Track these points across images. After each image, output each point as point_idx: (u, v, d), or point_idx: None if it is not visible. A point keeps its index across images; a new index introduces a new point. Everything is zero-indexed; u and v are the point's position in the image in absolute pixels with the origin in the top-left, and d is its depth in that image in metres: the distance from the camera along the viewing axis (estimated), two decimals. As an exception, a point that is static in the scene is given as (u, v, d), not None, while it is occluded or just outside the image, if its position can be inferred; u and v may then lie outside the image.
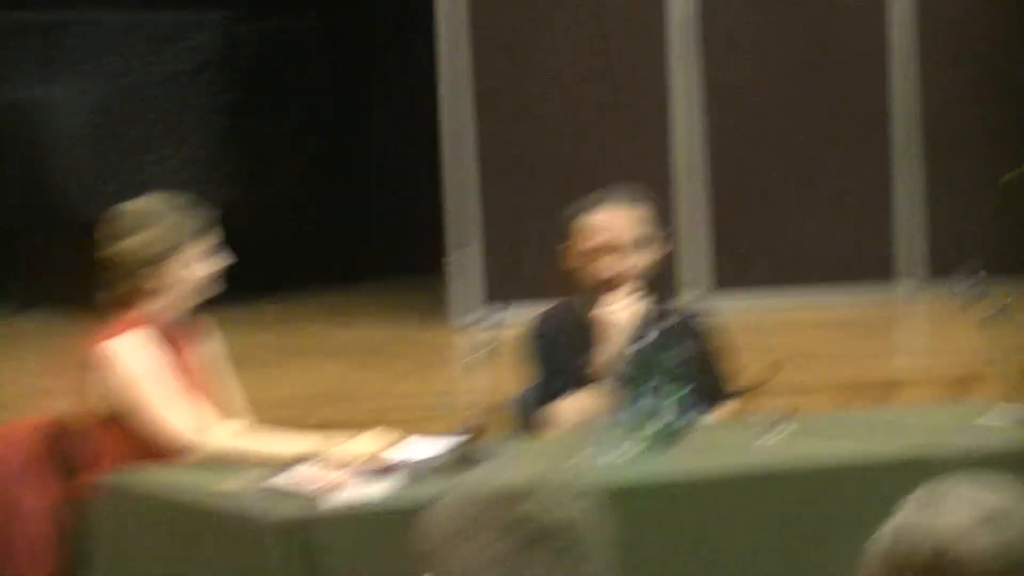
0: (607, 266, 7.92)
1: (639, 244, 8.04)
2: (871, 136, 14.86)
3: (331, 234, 14.25)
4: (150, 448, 7.07)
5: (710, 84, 14.41)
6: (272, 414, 7.93)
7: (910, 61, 14.90)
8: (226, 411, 7.43)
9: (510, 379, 8.21)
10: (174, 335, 7.36)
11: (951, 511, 3.60)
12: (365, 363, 11.69)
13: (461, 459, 6.60)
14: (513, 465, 5.46)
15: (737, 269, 14.15)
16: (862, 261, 14.61)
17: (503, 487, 3.65)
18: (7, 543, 7.38)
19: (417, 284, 14.25)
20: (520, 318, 8.20)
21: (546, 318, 8.28)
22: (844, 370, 11.09)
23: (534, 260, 11.74)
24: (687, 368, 7.47)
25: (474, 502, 3.58)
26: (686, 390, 7.30)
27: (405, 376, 11.60)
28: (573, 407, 7.89)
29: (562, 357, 8.11)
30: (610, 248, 7.98)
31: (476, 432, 6.90)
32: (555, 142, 14.03)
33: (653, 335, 7.59)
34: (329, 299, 13.11)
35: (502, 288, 11.69)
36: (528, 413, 7.98)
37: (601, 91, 14.32)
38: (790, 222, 14.56)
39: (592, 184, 9.33)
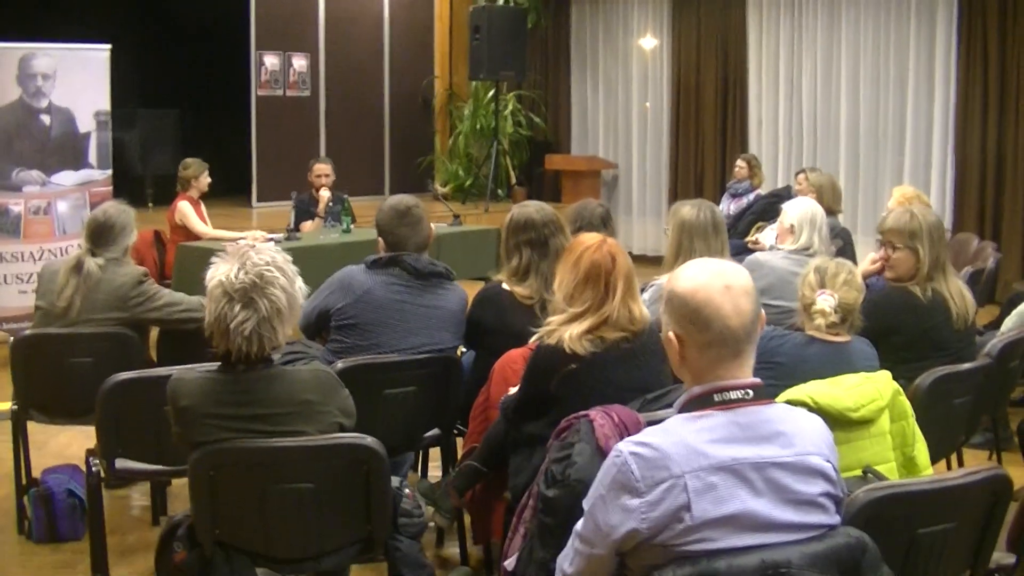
0: (323, 180, 10.63)
1: (330, 173, 10.67)
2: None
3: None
4: (192, 235, 9.78)
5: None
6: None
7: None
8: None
9: (286, 221, 10.59)
10: (196, 202, 10.04)
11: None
12: (229, 219, 12.19)
13: (288, 239, 9.28)
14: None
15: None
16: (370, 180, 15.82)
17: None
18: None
19: (238, 194, 14.83)
20: (291, 199, 10.76)
21: (300, 196, 10.72)
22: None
23: (295, 180, 11.96)
24: (347, 207, 10.24)
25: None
26: (350, 216, 10.13)
27: (244, 221, 12.59)
28: (310, 225, 10.45)
29: (305, 208, 10.63)
30: (323, 174, 10.64)
31: (288, 233, 9.60)
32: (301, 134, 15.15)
33: (337, 199, 10.49)
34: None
35: (284, 189, 12.48)
36: (295, 232, 10.02)
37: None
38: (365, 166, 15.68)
39: (315, 152, 12.57)
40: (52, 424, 6.08)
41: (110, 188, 10.50)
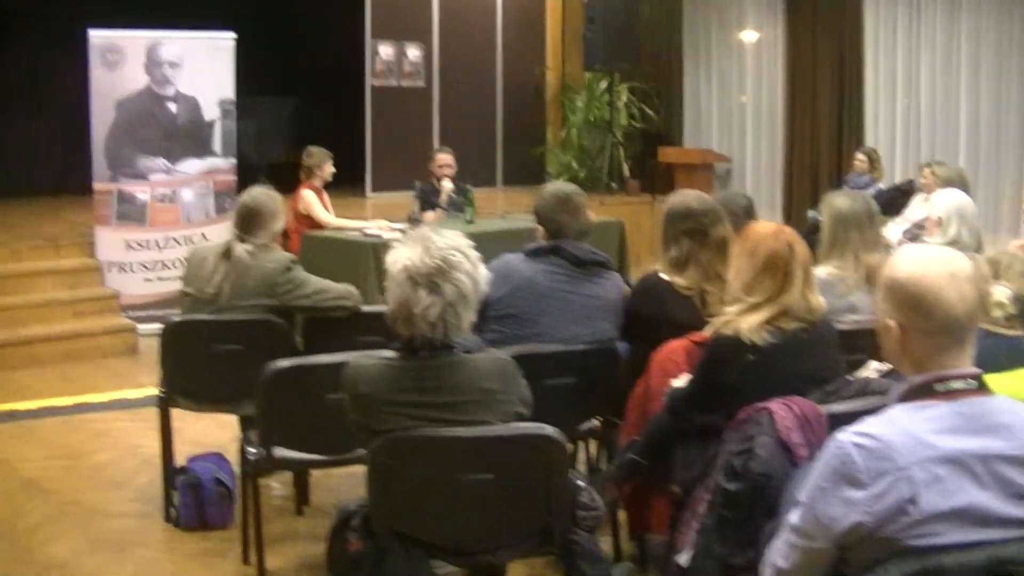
0: (445, 170, 10.71)
1: (453, 164, 10.75)
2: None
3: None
4: (315, 223, 9.77)
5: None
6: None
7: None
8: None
9: (401, 210, 10.69)
10: (320, 190, 10.01)
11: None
12: (343, 208, 11.02)
13: (411, 225, 9.10)
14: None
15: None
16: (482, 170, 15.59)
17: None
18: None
19: (351, 185, 14.16)
20: (412, 189, 10.81)
21: (424, 185, 10.77)
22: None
23: (409, 170, 12.14)
24: (469, 198, 10.31)
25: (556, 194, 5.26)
26: (472, 206, 10.15)
27: (358, 211, 12.32)
28: (432, 216, 10.37)
29: (427, 199, 10.69)
30: (446, 164, 10.72)
31: (412, 221, 9.67)
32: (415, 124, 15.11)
33: (459, 190, 10.58)
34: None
35: (397, 179, 12.84)
36: (419, 217, 10.22)
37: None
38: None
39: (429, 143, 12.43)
40: (198, 411, 6.10)
41: (234, 177, 10.63)
